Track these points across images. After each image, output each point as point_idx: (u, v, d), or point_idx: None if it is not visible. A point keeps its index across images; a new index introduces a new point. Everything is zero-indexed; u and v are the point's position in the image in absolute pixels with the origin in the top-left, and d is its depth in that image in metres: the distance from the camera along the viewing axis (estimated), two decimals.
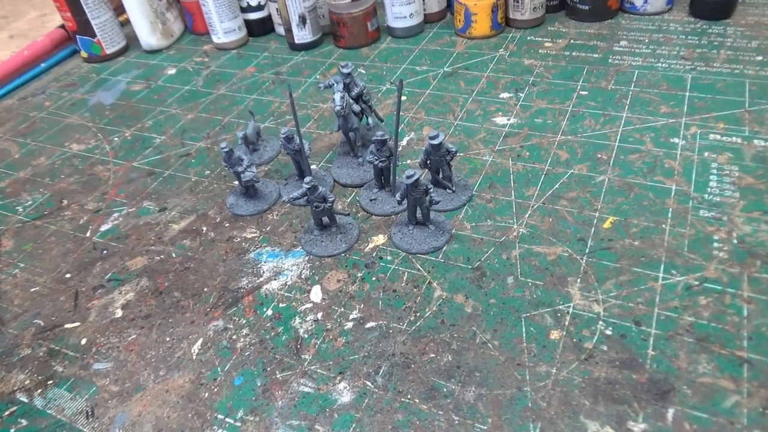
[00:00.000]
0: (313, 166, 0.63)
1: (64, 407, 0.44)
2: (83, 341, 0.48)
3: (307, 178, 0.49)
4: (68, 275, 0.55)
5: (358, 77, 0.78)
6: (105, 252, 0.57)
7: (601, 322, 0.43)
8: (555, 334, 0.43)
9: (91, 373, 0.46)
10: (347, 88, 0.59)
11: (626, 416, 0.37)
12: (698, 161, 0.56)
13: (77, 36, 0.92)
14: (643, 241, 0.49)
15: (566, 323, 0.44)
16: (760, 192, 0.51)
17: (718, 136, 0.58)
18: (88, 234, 0.60)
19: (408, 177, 0.48)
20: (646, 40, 0.76)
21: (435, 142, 0.52)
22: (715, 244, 0.47)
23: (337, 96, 0.55)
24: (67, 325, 0.50)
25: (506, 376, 0.41)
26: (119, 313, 0.50)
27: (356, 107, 0.59)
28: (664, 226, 0.50)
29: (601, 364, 0.41)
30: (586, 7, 0.81)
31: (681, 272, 0.46)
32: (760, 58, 0.69)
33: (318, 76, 0.80)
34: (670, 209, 0.51)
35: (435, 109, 0.69)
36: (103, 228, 0.60)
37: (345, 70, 0.59)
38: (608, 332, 0.42)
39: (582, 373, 0.40)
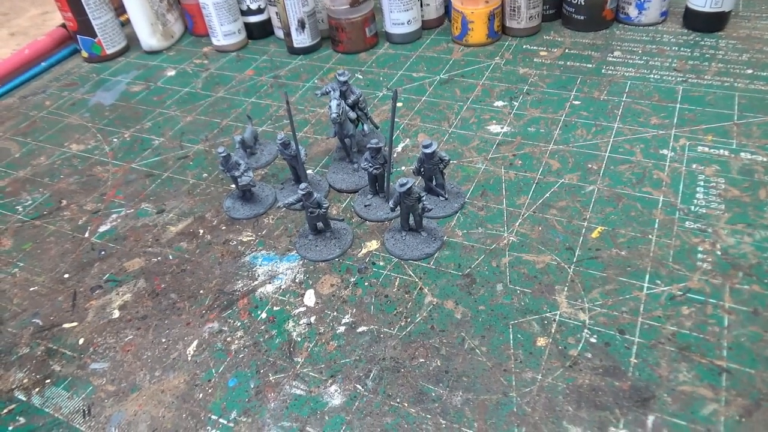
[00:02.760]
0: (309, 171, 0.64)
1: (62, 406, 0.45)
2: (81, 341, 0.49)
3: (303, 185, 0.50)
4: (67, 275, 0.56)
5: (355, 83, 0.79)
6: (103, 253, 0.58)
7: (586, 330, 0.44)
8: (541, 341, 0.44)
9: (88, 373, 0.47)
10: (343, 95, 0.61)
11: (608, 422, 0.39)
12: (686, 173, 0.57)
13: (78, 36, 0.93)
14: (629, 251, 0.50)
15: (553, 330, 0.45)
16: (745, 204, 0.53)
17: (707, 149, 0.59)
18: (86, 234, 0.61)
19: (401, 185, 0.49)
20: (640, 51, 0.77)
21: (428, 151, 0.53)
22: (700, 255, 0.49)
23: (333, 104, 0.56)
24: (65, 325, 0.51)
25: (493, 382, 0.42)
26: (116, 313, 0.52)
27: (352, 114, 0.60)
28: (650, 236, 0.51)
29: (585, 371, 0.42)
30: (582, 17, 0.82)
31: (665, 282, 0.47)
32: (750, 71, 0.70)
33: (316, 81, 0.82)
34: (657, 220, 0.52)
35: (430, 116, 0.71)
36: (102, 229, 0.61)
37: (341, 78, 0.60)
38: (593, 340, 0.44)
39: (566, 379, 0.41)
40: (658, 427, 0.38)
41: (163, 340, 0.49)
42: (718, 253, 0.49)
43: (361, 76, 0.81)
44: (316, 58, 0.87)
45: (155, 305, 0.52)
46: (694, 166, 0.58)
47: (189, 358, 0.47)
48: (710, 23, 0.78)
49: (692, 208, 0.53)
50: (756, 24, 0.80)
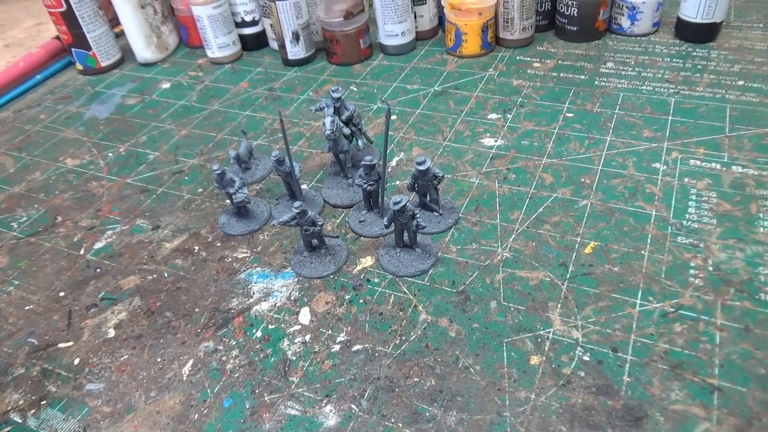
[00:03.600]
0: (303, 186, 0.64)
1: (57, 428, 0.45)
2: (76, 361, 0.50)
3: (297, 203, 0.51)
4: (62, 293, 0.56)
5: (349, 96, 0.79)
6: (98, 270, 0.58)
7: (579, 348, 0.45)
8: (535, 360, 0.44)
9: (83, 394, 0.47)
10: (337, 111, 0.61)
11: None
12: (678, 187, 0.57)
13: (72, 49, 0.93)
14: (622, 267, 0.50)
15: (546, 348, 0.45)
16: (736, 219, 0.53)
17: (698, 162, 0.60)
18: (81, 252, 0.61)
19: (395, 203, 0.49)
20: (632, 62, 0.78)
21: (422, 167, 0.53)
22: (692, 271, 0.49)
23: (327, 120, 0.57)
24: (61, 345, 0.51)
25: (487, 401, 0.42)
26: (112, 332, 0.52)
27: (346, 130, 0.60)
28: (643, 252, 0.51)
29: (579, 390, 0.42)
30: (575, 28, 0.83)
31: (658, 299, 0.47)
32: (741, 82, 0.70)
33: (311, 93, 0.82)
34: (650, 235, 0.53)
35: (424, 130, 0.71)
36: (97, 246, 0.61)
37: (335, 95, 0.60)
38: (586, 358, 0.44)
39: (560, 398, 0.42)
40: None
41: (159, 360, 0.49)
42: (710, 268, 0.49)
43: (355, 88, 0.81)
44: (311, 69, 0.88)
45: (150, 324, 0.52)
46: (686, 179, 0.58)
47: (184, 378, 0.47)
48: (702, 34, 0.79)
49: (684, 222, 0.53)
50: (747, 34, 0.80)
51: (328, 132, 0.57)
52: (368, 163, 0.54)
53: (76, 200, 0.68)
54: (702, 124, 0.65)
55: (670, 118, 0.67)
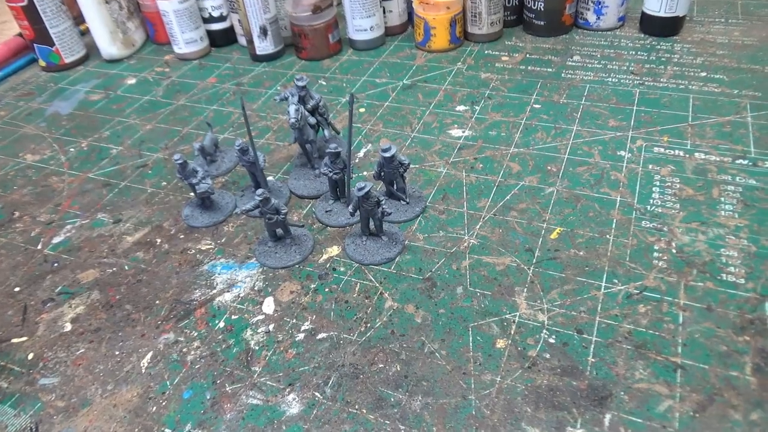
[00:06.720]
0: (270, 178, 0.63)
1: (8, 424, 0.43)
2: (30, 356, 0.48)
3: (259, 191, 0.50)
4: (17, 289, 0.54)
5: (318, 90, 0.79)
6: (56, 265, 0.56)
7: (545, 331, 0.44)
8: (501, 343, 0.44)
9: (36, 389, 0.45)
10: (302, 100, 0.60)
11: (565, 422, 0.39)
12: (642, 173, 0.58)
13: (35, 45, 0.90)
14: (587, 251, 0.50)
15: (512, 332, 0.45)
16: (699, 203, 0.53)
17: (662, 149, 0.60)
18: (39, 246, 0.59)
19: (359, 189, 0.49)
20: (598, 56, 0.78)
21: (387, 155, 0.52)
22: (655, 254, 0.49)
23: (292, 109, 0.56)
24: (14, 340, 0.49)
25: (452, 385, 0.42)
26: (68, 326, 0.50)
27: (312, 120, 0.60)
28: (608, 236, 0.51)
29: (544, 372, 0.42)
30: (542, 23, 0.83)
31: (622, 281, 0.47)
32: (703, 74, 0.72)
33: (279, 87, 0.81)
34: (615, 220, 0.53)
35: (393, 121, 0.71)
36: (55, 240, 0.59)
37: (300, 83, 0.59)
38: (551, 340, 0.44)
39: (525, 380, 0.41)
40: (615, 425, 0.38)
41: (117, 353, 0.47)
42: (674, 251, 0.49)
43: (324, 83, 0.81)
44: (280, 65, 0.87)
45: (109, 317, 0.50)
46: (650, 166, 0.58)
47: (143, 371, 0.45)
48: (665, 28, 0.80)
49: (648, 207, 0.54)
50: (709, 28, 0.82)
51: (292, 120, 0.56)
52: (333, 150, 0.53)
53: (35, 195, 0.66)
54: (666, 114, 0.66)
55: (635, 108, 0.67)
